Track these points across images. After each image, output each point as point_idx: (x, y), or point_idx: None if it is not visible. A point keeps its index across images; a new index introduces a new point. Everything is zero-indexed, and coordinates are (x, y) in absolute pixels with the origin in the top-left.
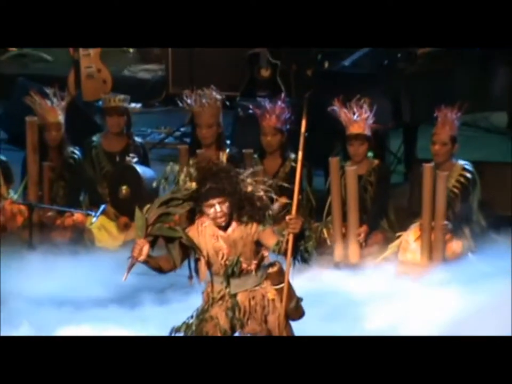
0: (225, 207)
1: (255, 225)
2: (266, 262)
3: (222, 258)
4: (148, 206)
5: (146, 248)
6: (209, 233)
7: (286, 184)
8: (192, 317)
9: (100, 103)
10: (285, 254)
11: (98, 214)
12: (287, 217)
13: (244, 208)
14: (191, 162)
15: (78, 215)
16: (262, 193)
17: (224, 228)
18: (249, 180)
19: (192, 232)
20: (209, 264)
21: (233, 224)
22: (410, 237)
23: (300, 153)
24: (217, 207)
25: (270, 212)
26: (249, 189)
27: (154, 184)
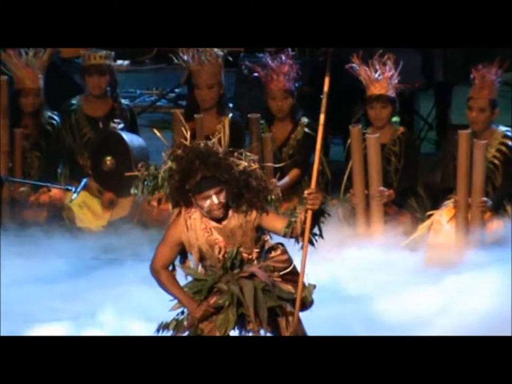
0: (222, 196)
1: (254, 210)
2: (267, 246)
3: (219, 252)
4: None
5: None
6: (200, 227)
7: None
8: (183, 312)
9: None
10: (301, 235)
11: (79, 189)
12: (306, 192)
13: (243, 196)
14: (163, 155)
15: (55, 191)
16: (257, 167)
17: (219, 219)
18: (238, 156)
19: (179, 227)
20: (202, 259)
21: (230, 213)
22: (443, 217)
23: (322, 116)
24: (214, 199)
25: (272, 197)
26: (241, 167)
27: (132, 191)
